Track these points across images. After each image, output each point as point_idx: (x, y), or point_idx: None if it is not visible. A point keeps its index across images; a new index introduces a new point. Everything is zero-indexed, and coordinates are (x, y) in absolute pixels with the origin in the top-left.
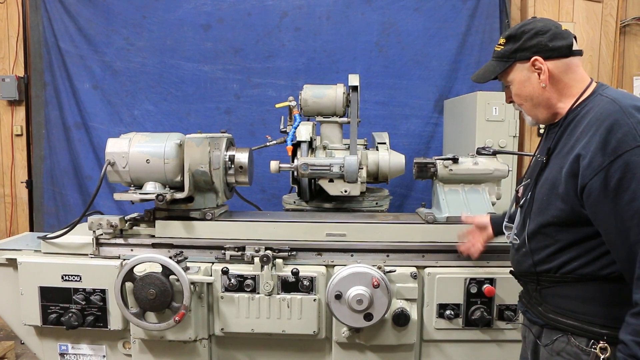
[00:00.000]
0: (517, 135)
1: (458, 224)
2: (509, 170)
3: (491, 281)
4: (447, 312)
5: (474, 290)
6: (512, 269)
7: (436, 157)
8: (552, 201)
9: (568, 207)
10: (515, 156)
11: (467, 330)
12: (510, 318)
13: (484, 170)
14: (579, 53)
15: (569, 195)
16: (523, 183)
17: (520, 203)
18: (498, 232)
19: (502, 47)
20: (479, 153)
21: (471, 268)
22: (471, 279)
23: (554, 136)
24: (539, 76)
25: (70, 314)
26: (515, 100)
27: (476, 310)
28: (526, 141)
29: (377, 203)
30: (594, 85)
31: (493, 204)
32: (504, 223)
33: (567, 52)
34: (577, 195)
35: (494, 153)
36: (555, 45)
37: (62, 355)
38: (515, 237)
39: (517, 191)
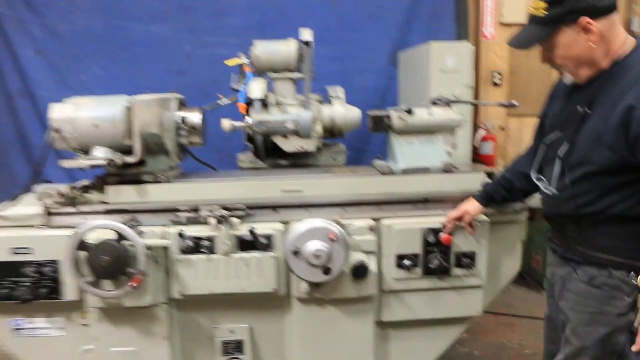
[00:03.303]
0: (473, 85)
1: (414, 174)
2: (464, 120)
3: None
4: (406, 262)
5: (431, 239)
6: (545, 212)
7: (391, 109)
8: (597, 150)
9: (616, 155)
10: (471, 106)
11: (426, 279)
12: (468, 265)
13: (438, 120)
14: (616, 7)
15: (618, 144)
16: (552, 135)
17: (560, 154)
18: (489, 200)
19: (545, 12)
20: (433, 104)
21: (428, 218)
22: (428, 229)
23: (594, 89)
24: (588, 36)
25: (22, 288)
26: (559, 61)
27: (434, 259)
28: (482, 91)
29: (333, 158)
30: (632, 39)
31: (448, 154)
32: (534, 175)
33: (612, 8)
34: (627, 144)
35: (448, 103)
36: (602, 3)
37: (16, 330)
38: (548, 186)
39: (545, 144)
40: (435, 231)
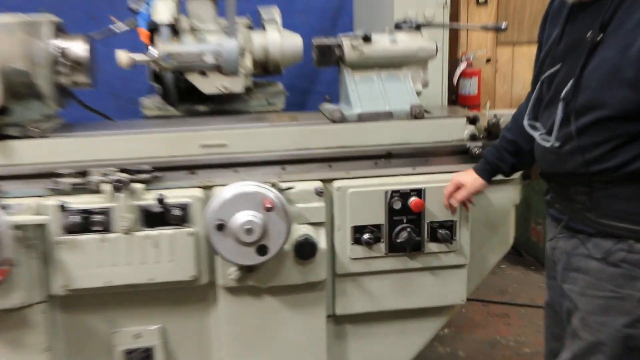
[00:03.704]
0: (448, 3)
1: (374, 121)
2: (437, 49)
3: (419, 193)
4: (365, 236)
5: (397, 205)
6: (543, 170)
7: (342, 36)
8: (613, 88)
9: (638, 95)
10: (446, 30)
11: (392, 257)
12: (446, 238)
13: (404, 50)
14: None
15: None
16: (550, 71)
17: (562, 95)
18: (494, 172)
19: None
20: (397, 28)
21: (393, 178)
22: (393, 191)
23: (607, 8)
24: None
25: None
26: None
27: (402, 231)
28: (462, 11)
29: (268, 102)
30: None
31: (418, 94)
32: (527, 122)
33: None
34: None
35: (418, 27)
36: None
37: None
38: (546, 136)
39: (540, 81)
40: (403, 195)
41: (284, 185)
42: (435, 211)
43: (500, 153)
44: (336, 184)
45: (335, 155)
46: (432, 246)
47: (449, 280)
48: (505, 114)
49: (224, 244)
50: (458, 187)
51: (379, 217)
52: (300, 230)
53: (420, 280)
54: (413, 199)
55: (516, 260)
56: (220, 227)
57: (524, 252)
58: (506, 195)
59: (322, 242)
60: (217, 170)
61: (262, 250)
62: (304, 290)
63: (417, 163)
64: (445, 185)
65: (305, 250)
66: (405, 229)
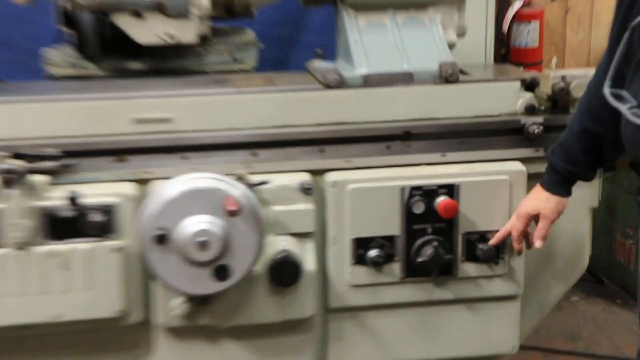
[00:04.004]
0: None
1: (385, 86)
2: None
3: (450, 190)
4: (372, 253)
5: (419, 209)
6: (635, 158)
7: None
8: None
9: None
10: None
11: (411, 284)
12: (489, 257)
13: None
14: None
15: None
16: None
17: None
18: (572, 181)
19: None
20: None
21: (413, 168)
22: (413, 188)
23: None
24: None
25: None
26: None
27: (425, 245)
28: None
29: (233, 57)
30: None
31: (451, 47)
32: (609, 91)
33: None
34: None
35: None
36: None
37: None
38: (639, 110)
39: (629, 29)
40: (428, 193)
41: (255, 178)
42: (474, 217)
43: (570, 154)
44: (331, 176)
45: (330, 136)
46: (469, 268)
47: (494, 319)
48: (579, 76)
49: (166, 264)
50: (529, 220)
51: (392, 225)
52: (279, 244)
53: (451, 318)
54: (442, 200)
55: (594, 291)
56: (162, 239)
57: (606, 279)
58: (578, 195)
59: (309, 262)
60: (158, 156)
61: (221, 272)
62: (282, 332)
63: (448, 147)
64: (489, 180)
65: (284, 273)
66: (431, 243)
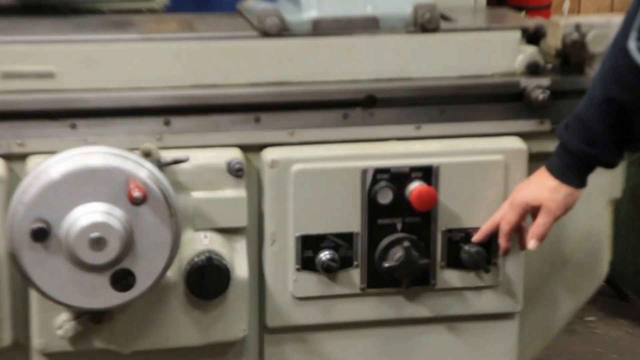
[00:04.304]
0: None
1: (343, 35)
2: None
3: (426, 174)
4: (324, 255)
5: (386, 198)
6: None
7: None
8: None
9: None
10: None
11: (375, 296)
12: (477, 262)
13: None
14: None
15: None
16: None
17: None
18: (590, 168)
19: None
20: None
21: (378, 145)
22: (378, 170)
23: None
24: None
25: None
26: None
27: (394, 246)
28: None
29: None
30: None
31: None
32: (635, 45)
33: None
34: None
35: None
36: None
37: None
38: None
39: None
40: (397, 177)
41: (167, 155)
42: (458, 210)
43: (590, 130)
44: (269, 154)
45: (268, 100)
46: (451, 277)
47: (484, 343)
48: (599, 25)
49: (46, 268)
50: (526, 212)
51: (350, 219)
52: (200, 243)
53: (427, 341)
54: (416, 187)
55: (616, 309)
56: (40, 234)
57: (632, 294)
58: (595, 183)
59: (240, 267)
60: (35, 123)
61: (122, 280)
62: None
63: (424, 117)
64: (478, 161)
65: (207, 281)
66: (401, 244)
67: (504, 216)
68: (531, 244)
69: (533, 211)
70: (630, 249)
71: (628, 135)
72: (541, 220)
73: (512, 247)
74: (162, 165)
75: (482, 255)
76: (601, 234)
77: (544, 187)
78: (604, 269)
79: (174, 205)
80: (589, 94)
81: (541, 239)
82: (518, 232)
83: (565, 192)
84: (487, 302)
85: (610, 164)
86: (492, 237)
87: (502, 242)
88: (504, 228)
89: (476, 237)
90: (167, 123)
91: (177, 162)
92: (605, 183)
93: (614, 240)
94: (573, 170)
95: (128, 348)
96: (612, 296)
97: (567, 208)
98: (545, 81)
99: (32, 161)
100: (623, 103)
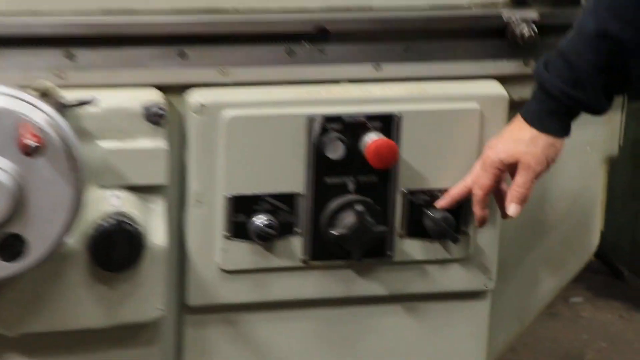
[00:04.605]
0: None
1: None
2: None
3: (386, 123)
4: (259, 220)
5: (336, 152)
6: None
7: None
8: None
9: None
10: None
11: (320, 270)
12: (443, 230)
13: None
14: None
15: None
16: None
17: None
18: (573, 114)
19: None
20: None
21: (326, 87)
22: (328, 119)
23: None
24: None
25: None
26: None
27: (344, 209)
28: None
29: None
30: None
31: None
32: None
33: None
34: None
35: None
36: None
37: None
38: None
39: None
40: (351, 127)
41: (69, 96)
42: (422, 168)
43: (575, 68)
44: (196, 96)
45: (195, 31)
46: (412, 247)
47: (450, 327)
48: None
49: None
50: (501, 172)
51: (291, 177)
52: (107, 204)
53: (382, 324)
54: (373, 139)
55: (608, 288)
56: None
57: (627, 271)
58: (585, 137)
59: (156, 233)
60: None
61: (11, 247)
62: (112, 344)
63: (385, 55)
64: (449, 109)
65: (116, 249)
66: (352, 207)
67: (476, 179)
68: (511, 209)
69: (510, 170)
70: (628, 218)
71: (620, 79)
72: (520, 180)
73: (490, 215)
74: (62, 108)
75: (450, 222)
76: (592, 199)
77: (519, 139)
78: (594, 240)
79: (77, 157)
80: (578, 26)
81: (522, 202)
82: (496, 196)
83: (545, 142)
84: (454, 278)
85: (596, 110)
86: (460, 209)
87: (476, 210)
88: (478, 193)
89: (442, 202)
90: (70, 56)
91: (81, 104)
92: (598, 138)
93: (608, 207)
94: (553, 116)
95: (16, 330)
96: (603, 273)
97: (548, 162)
98: (532, 14)
99: None
100: (621, 39)
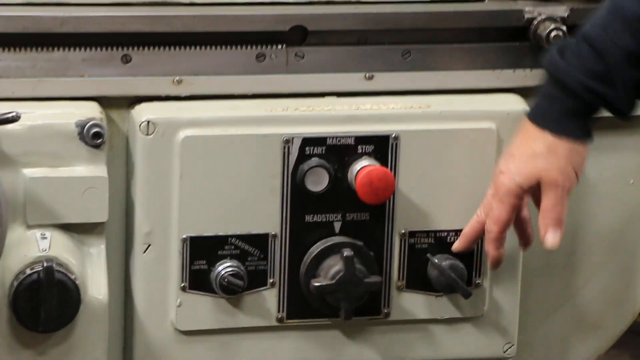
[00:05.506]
0: None
1: None
2: None
3: (380, 147)
4: (223, 269)
5: (318, 183)
6: None
7: None
8: None
9: None
10: None
11: (297, 331)
12: (451, 282)
13: None
14: None
15: None
16: None
17: None
18: (590, 116)
19: None
20: None
21: (305, 100)
22: (307, 140)
23: None
24: None
25: None
26: None
27: (329, 256)
28: None
29: None
30: None
31: None
32: None
33: None
34: None
35: None
36: None
37: None
38: None
39: None
40: (336, 150)
41: None
42: (425, 203)
43: (603, 57)
44: (144, 112)
45: (144, 30)
46: (414, 303)
47: None
48: None
49: None
50: (521, 200)
51: (264, 214)
52: (35, 247)
53: None
54: (364, 167)
55: None
56: None
57: None
58: (626, 166)
59: (96, 283)
60: None
61: None
62: None
63: (379, 61)
64: (459, 129)
65: (45, 304)
66: (339, 253)
67: (489, 213)
68: (549, 239)
69: (533, 194)
70: None
71: None
72: (548, 202)
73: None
74: None
75: (460, 271)
76: (636, 243)
77: (534, 154)
78: (639, 295)
79: None
80: (612, 6)
81: (558, 226)
82: (517, 226)
83: (566, 149)
84: (466, 342)
85: (620, 111)
86: (473, 256)
87: (490, 249)
88: (492, 230)
89: (457, 245)
90: None
91: (1, 121)
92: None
93: None
94: (570, 116)
95: None
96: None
97: (576, 172)
98: (560, 10)
99: None
100: None
